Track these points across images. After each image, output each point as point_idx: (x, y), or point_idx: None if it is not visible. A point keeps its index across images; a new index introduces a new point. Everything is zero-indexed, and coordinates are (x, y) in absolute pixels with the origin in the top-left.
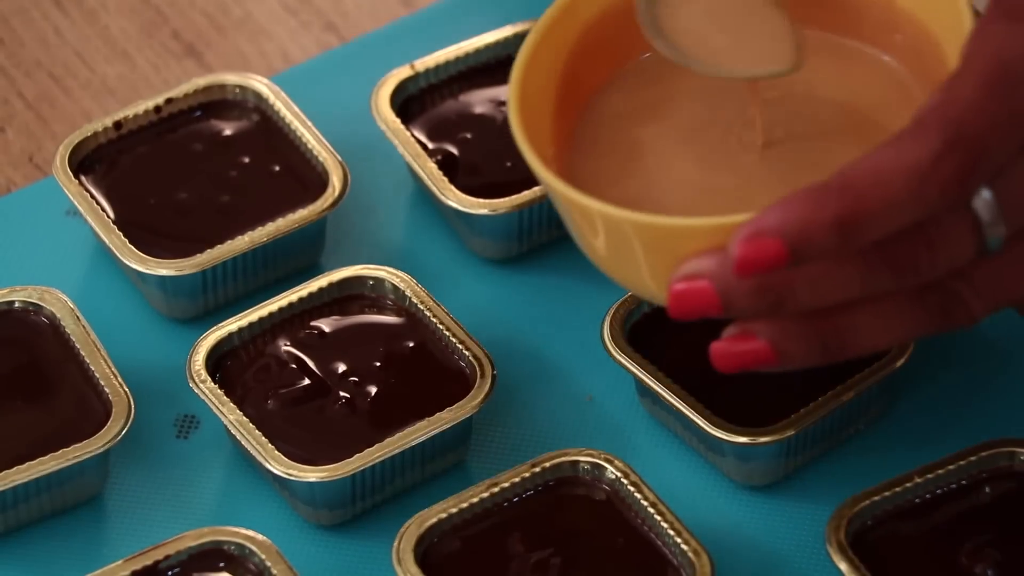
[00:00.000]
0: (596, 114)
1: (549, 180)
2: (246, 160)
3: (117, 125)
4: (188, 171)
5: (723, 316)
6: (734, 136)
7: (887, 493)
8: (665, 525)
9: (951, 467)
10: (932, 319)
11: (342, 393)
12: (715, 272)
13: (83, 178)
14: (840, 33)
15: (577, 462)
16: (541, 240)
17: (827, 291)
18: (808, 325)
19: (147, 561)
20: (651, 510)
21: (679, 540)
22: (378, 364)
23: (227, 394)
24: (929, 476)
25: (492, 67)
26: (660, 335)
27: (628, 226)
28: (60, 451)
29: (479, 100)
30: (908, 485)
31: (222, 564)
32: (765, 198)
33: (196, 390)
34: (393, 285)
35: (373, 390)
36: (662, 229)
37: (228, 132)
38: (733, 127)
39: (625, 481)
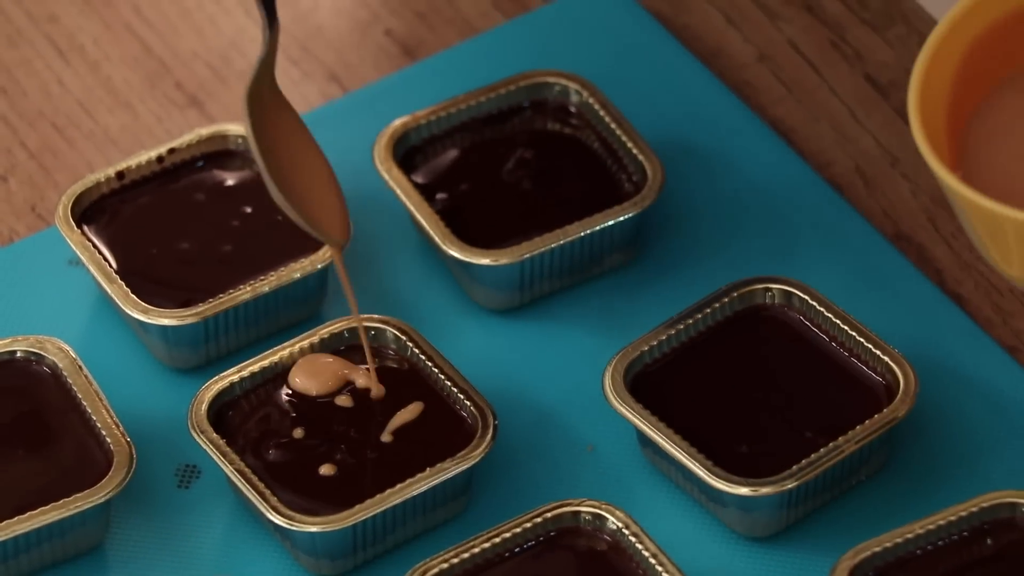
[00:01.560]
0: (992, 117)
1: (958, 188)
2: (248, 210)
3: (120, 175)
4: (190, 221)
5: None
6: None
7: (889, 544)
8: None
9: (952, 518)
10: None
11: (343, 444)
12: None
13: (85, 228)
14: None
15: (578, 512)
16: (543, 290)
17: None
18: None
19: None
20: (652, 561)
21: None
22: (379, 415)
23: (228, 444)
24: (931, 527)
25: (493, 117)
26: (662, 385)
27: None
28: (61, 501)
29: (481, 150)
30: (910, 536)
31: None
32: None
33: (197, 440)
34: (395, 335)
35: (374, 440)
36: None
37: (230, 182)
38: None
39: (626, 531)
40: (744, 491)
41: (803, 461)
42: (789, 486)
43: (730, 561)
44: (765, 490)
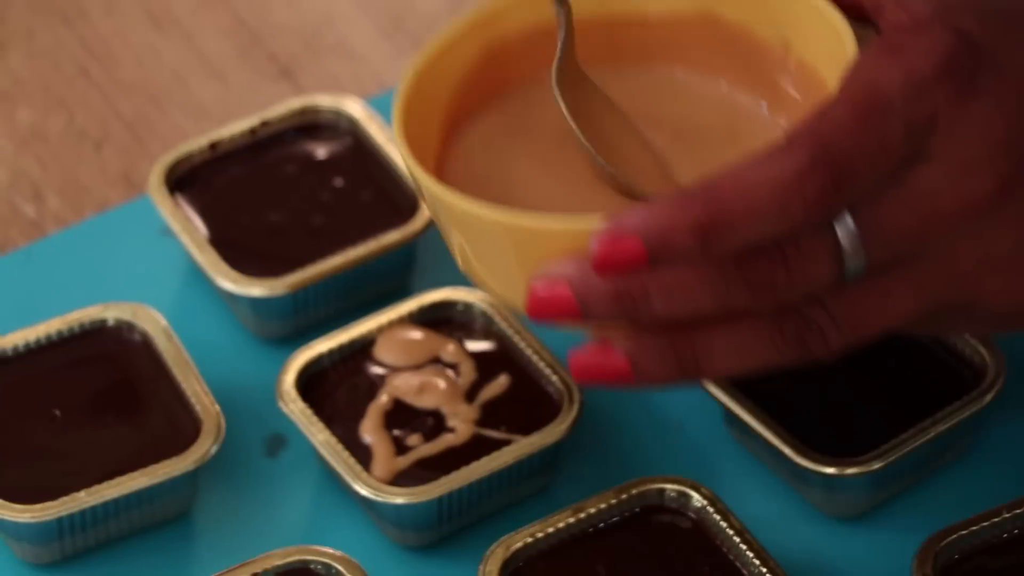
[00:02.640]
0: (472, 134)
1: (421, 178)
2: (339, 182)
3: (212, 146)
4: (281, 192)
5: (580, 321)
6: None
7: (975, 527)
8: (751, 554)
9: None
10: (789, 346)
11: (429, 416)
12: (574, 275)
13: (178, 197)
14: (730, 79)
15: (663, 489)
16: None
17: (682, 301)
18: (665, 341)
19: None
20: (737, 539)
21: (764, 570)
22: (466, 388)
23: (316, 414)
24: (1018, 511)
25: None
26: None
27: (493, 226)
28: (150, 467)
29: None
30: (996, 520)
31: None
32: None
33: (285, 410)
34: (482, 310)
35: (460, 414)
36: (525, 230)
37: (321, 154)
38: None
39: (711, 509)
40: (830, 471)
41: (890, 442)
42: (875, 466)
43: (815, 541)
44: (851, 470)
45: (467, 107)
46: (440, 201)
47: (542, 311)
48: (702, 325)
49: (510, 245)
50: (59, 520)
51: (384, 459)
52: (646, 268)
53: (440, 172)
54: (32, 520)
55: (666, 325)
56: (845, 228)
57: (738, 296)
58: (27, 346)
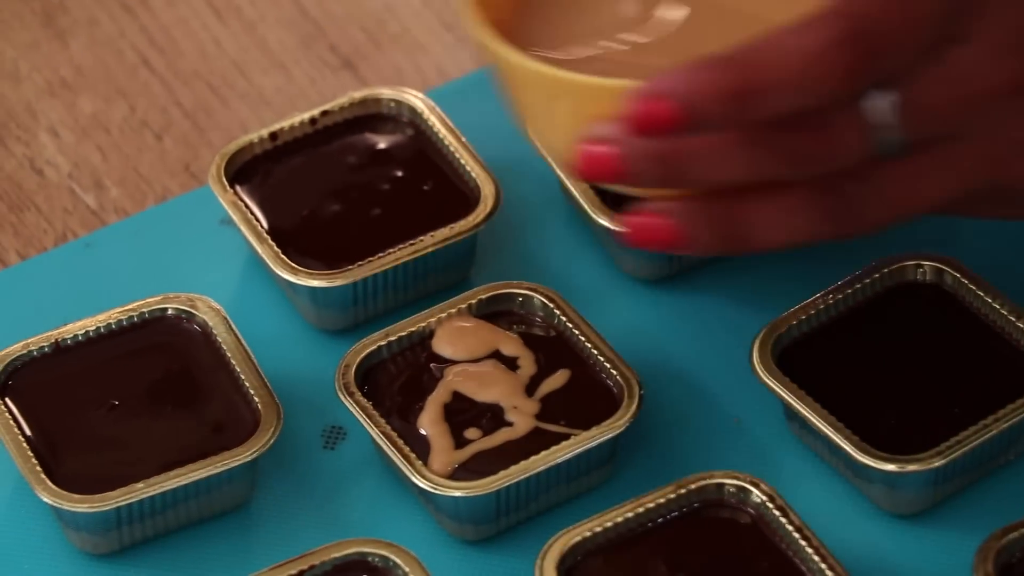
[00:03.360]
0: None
1: (479, 33)
2: (399, 174)
3: (273, 136)
4: (341, 184)
5: (626, 181)
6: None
7: None
8: (810, 551)
9: None
10: (828, 220)
11: (488, 410)
12: (619, 136)
13: (238, 188)
14: None
15: (723, 485)
16: (692, 261)
17: (719, 167)
18: (713, 209)
19: (292, 571)
20: (796, 535)
21: (824, 566)
22: (525, 381)
23: (375, 406)
24: None
25: None
26: (810, 359)
27: (542, 80)
28: (209, 458)
29: None
30: None
31: None
32: None
33: (344, 401)
34: (542, 303)
35: (519, 407)
36: (571, 85)
37: (382, 146)
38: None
39: (771, 505)
40: (891, 467)
41: (951, 439)
42: (936, 464)
43: (875, 538)
44: (912, 467)
45: None
46: (498, 57)
47: (589, 169)
48: (746, 196)
49: (560, 102)
50: (117, 510)
51: (442, 452)
52: (682, 131)
53: (514, 32)
54: (90, 510)
55: (712, 194)
56: (882, 103)
57: (771, 165)
58: (87, 335)
